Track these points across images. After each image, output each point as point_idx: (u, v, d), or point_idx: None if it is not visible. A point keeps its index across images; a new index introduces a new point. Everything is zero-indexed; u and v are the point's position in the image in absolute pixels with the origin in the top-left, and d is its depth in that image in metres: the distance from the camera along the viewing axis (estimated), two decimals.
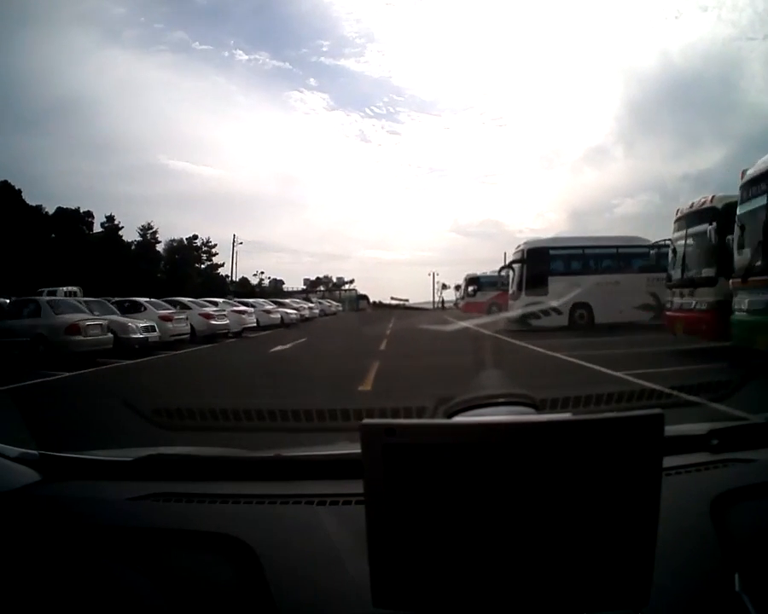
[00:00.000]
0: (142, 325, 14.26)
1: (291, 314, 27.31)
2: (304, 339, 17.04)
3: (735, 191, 8.92)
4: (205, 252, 53.85)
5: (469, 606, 0.71)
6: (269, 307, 25.64)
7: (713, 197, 10.36)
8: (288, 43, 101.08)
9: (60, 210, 42.74)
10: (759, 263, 7.93)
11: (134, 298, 17.10)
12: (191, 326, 17.12)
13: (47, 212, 42.30)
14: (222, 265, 53.58)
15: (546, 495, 0.68)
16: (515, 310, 18.37)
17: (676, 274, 11.59)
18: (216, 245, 53.33)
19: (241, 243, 50.40)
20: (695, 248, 10.97)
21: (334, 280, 70.37)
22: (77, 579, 0.99)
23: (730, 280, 8.71)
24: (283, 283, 60.59)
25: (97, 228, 45.20)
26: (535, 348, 11.80)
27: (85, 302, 14.81)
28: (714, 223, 9.88)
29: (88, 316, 12.79)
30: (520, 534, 0.69)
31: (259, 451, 1.42)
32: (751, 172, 8.37)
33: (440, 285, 52.79)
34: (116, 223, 45.68)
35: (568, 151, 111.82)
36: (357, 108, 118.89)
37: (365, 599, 0.73)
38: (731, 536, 1.02)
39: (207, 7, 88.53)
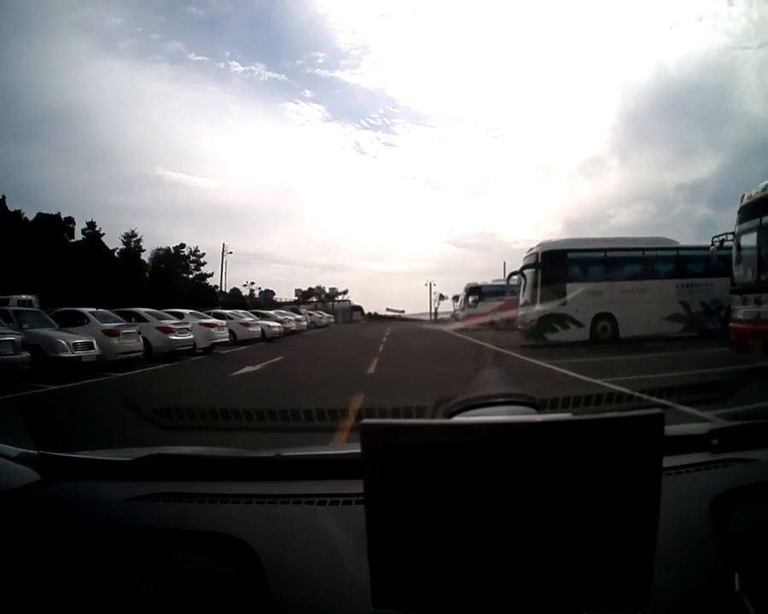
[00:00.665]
0: (75, 341, 11.66)
1: (273, 327, 24.52)
2: (279, 358, 14.28)
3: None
4: (193, 262, 51.36)
5: (469, 606, 0.71)
6: (248, 319, 22.89)
7: None
8: (283, 54, 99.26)
9: (40, 215, 41.18)
10: None
11: (76, 309, 14.36)
12: (148, 341, 14.28)
13: (26, 218, 40.31)
14: (211, 275, 51.63)
15: (546, 494, 0.68)
16: (528, 322, 15.57)
17: (748, 275, 8.77)
18: (204, 254, 51.32)
19: (231, 252, 48.76)
20: None
21: (327, 290, 67.19)
22: (77, 579, 0.99)
23: None
24: (274, 294, 57.94)
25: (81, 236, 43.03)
26: (563, 370, 9.02)
27: (15, 312, 12.24)
28: None
29: None
30: (520, 534, 0.69)
31: (259, 451, 1.40)
32: None
33: (437, 295, 49.59)
34: (97, 229, 43.61)
35: (563, 161, 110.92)
36: (352, 120, 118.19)
37: (365, 599, 0.73)
38: (731, 536, 1.02)
39: (203, 18, 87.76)
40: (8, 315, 11.96)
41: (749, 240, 8.83)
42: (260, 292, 58.99)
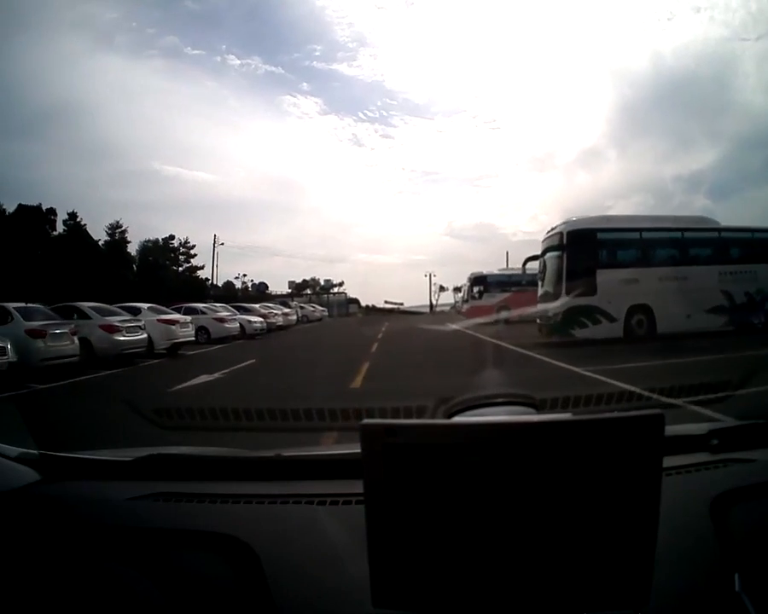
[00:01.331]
0: None
1: (254, 323, 21.63)
2: (251, 362, 11.59)
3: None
4: (183, 254, 48.79)
5: (469, 606, 0.71)
6: (223, 314, 19.80)
7: None
8: (280, 47, 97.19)
9: (21, 207, 39.79)
10: None
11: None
12: (89, 343, 11.60)
13: (5, 210, 38.91)
14: (202, 268, 49.72)
15: (546, 494, 0.69)
16: (552, 316, 12.83)
17: None
18: (195, 245, 49.42)
19: (222, 244, 46.55)
20: None
21: (322, 282, 64.36)
22: (77, 579, 0.99)
23: None
24: (267, 287, 55.03)
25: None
26: (618, 382, 6.22)
27: None
28: None
29: None
30: (520, 534, 0.69)
31: (259, 451, 1.39)
32: None
33: (438, 287, 46.92)
34: (78, 220, 41.58)
35: (561, 153, 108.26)
36: (350, 112, 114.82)
37: (365, 598, 0.73)
38: (731, 536, 1.02)
39: (200, 12, 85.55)
40: None
41: None
42: (253, 285, 56.46)
